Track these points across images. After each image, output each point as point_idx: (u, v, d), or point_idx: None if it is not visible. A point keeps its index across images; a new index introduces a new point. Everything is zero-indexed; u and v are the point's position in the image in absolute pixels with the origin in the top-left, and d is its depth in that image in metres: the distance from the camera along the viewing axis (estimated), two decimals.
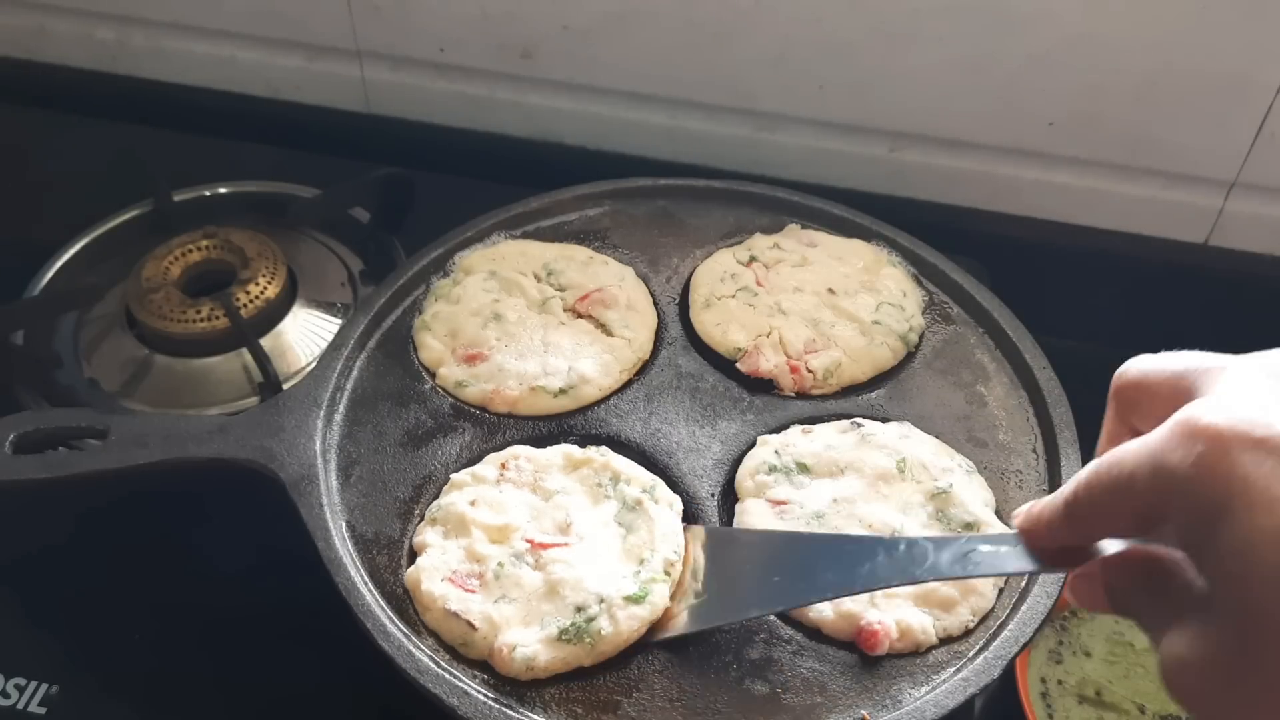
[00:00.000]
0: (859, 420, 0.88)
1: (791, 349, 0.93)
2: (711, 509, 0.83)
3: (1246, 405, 0.44)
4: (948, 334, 0.97)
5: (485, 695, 0.71)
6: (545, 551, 0.76)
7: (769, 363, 0.92)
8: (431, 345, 0.94)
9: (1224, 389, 0.47)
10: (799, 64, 1.14)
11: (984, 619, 0.77)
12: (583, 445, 0.86)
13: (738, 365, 0.93)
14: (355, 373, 0.92)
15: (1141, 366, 0.53)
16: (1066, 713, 0.84)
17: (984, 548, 0.59)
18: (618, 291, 0.97)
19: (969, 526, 0.80)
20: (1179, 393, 0.49)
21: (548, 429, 0.89)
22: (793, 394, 0.91)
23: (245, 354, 1.03)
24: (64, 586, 0.92)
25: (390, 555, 0.80)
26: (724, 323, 0.95)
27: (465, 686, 0.71)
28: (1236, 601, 0.42)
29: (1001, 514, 0.82)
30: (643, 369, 0.94)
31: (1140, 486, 0.46)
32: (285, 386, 0.98)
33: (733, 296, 0.97)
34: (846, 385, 0.92)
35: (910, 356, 0.95)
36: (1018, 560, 0.56)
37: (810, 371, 0.92)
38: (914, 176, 1.19)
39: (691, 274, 1.01)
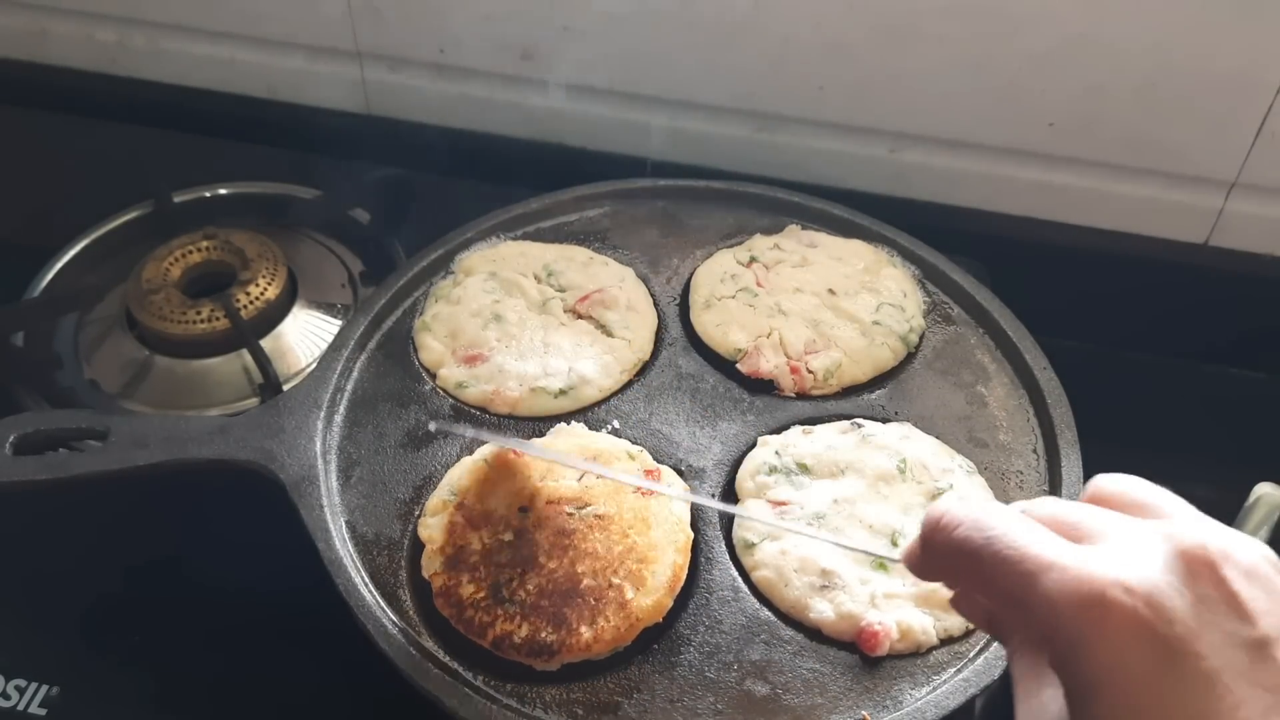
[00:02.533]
0: (859, 420, 0.88)
1: (792, 349, 0.93)
2: (713, 509, 0.83)
3: (1152, 588, 0.43)
4: (948, 334, 0.97)
5: (486, 696, 0.71)
6: None
7: (769, 363, 0.92)
8: (432, 346, 0.94)
9: (1127, 554, 0.45)
10: (799, 65, 1.14)
11: None
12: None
13: (738, 366, 0.93)
14: (355, 374, 0.92)
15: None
16: None
17: None
18: (618, 292, 0.97)
19: None
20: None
21: (548, 430, 0.88)
22: (793, 394, 0.91)
23: (245, 355, 1.03)
24: (64, 588, 0.92)
25: (391, 556, 0.80)
26: (724, 323, 0.95)
27: (466, 688, 0.72)
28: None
29: None
30: (643, 370, 0.94)
31: (1032, 608, 0.45)
32: (285, 388, 0.98)
33: (733, 297, 0.97)
34: (847, 386, 0.92)
35: (911, 357, 0.95)
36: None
37: (810, 372, 0.92)
38: (914, 177, 1.18)
39: (692, 275, 1.01)
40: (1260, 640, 0.42)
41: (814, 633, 0.76)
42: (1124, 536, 0.46)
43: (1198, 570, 0.43)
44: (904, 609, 0.76)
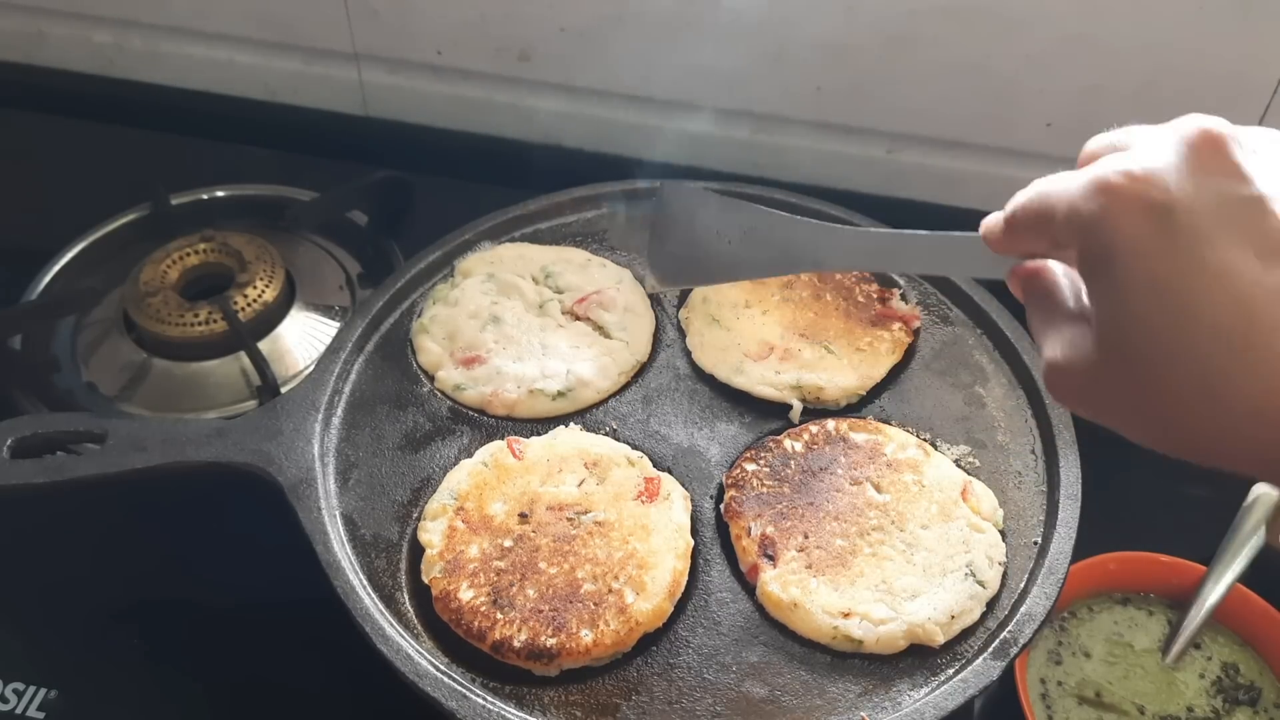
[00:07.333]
0: None
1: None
2: (710, 511, 0.83)
3: (1151, 168, 0.50)
4: (946, 335, 0.97)
5: (484, 698, 0.71)
6: None
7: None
8: (430, 348, 0.94)
9: (1140, 150, 0.52)
10: (797, 65, 1.14)
11: (982, 619, 0.77)
12: None
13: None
14: (353, 376, 0.92)
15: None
16: (1066, 713, 0.84)
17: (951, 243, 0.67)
18: (615, 294, 0.97)
19: None
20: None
21: (546, 432, 0.88)
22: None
23: (243, 357, 1.02)
24: (62, 591, 0.92)
25: (389, 559, 0.80)
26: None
27: (464, 690, 0.72)
28: (1111, 322, 0.52)
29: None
30: (641, 371, 0.94)
31: (1057, 221, 0.54)
32: (283, 390, 0.98)
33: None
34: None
35: (909, 358, 0.95)
36: (976, 258, 0.64)
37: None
38: (912, 178, 1.18)
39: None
40: (1256, 197, 0.49)
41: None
42: (1144, 139, 0.53)
43: (1200, 146, 0.50)
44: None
